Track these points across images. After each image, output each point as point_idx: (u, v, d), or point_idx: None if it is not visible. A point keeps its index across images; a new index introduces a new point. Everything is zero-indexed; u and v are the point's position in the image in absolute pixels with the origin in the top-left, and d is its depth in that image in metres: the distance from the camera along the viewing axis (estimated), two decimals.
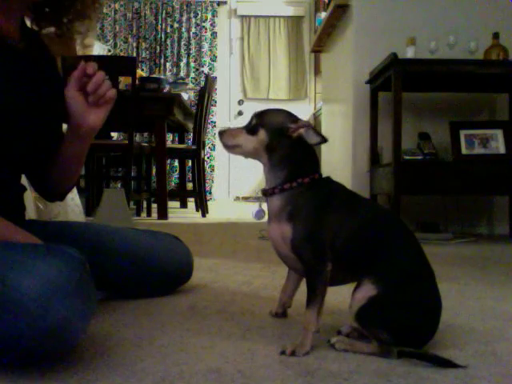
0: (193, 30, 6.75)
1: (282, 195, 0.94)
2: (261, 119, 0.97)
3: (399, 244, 0.92)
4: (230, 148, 1.00)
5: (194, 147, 4.27)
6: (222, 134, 1.01)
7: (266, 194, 0.97)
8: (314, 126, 0.95)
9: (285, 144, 0.94)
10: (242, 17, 6.90)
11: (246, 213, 4.73)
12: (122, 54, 6.70)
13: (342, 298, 1.27)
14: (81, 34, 1.18)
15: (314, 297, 0.89)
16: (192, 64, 6.74)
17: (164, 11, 6.77)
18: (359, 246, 0.90)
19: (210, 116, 6.16)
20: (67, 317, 0.74)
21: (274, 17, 6.89)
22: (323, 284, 0.90)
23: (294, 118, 0.96)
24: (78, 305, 0.76)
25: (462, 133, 2.86)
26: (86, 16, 1.16)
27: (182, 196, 5.28)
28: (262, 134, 0.96)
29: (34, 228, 1.17)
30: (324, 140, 0.94)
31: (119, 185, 6.05)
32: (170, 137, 6.27)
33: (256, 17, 6.89)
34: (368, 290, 0.86)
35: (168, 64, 6.73)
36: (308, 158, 0.96)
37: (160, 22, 6.78)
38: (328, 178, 0.98)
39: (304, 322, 0.90)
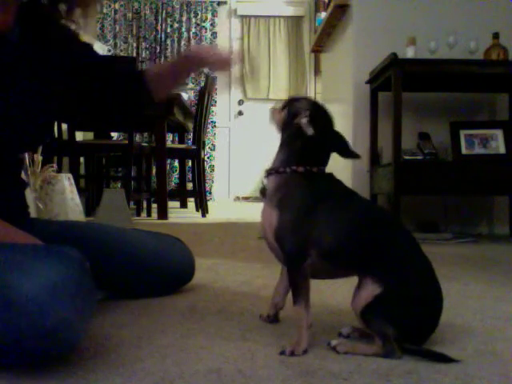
0: (193, 29, 6.75)
1: (275, 178, 0.96)
2: (291, 101, 1.01)
3: (397, 242, 0.92)
4: (270, 120, 1.05)
5: (194, 147, 4.27)
6: (273, 108, 1.06)
7: (266, 173, 0.99)
8: (316, 117, 0.96)
9: (293, 129, 0.96)
10: (242, 17, 6.90)
11: (246, 213, 4.73)
12: (122, 53, 6.70)
13: (341, 298, 1.27)
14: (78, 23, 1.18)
15: (297, 291, 0.90)
16: None
17: (164, 11, 6.77)
18: (355, 245, 0.90)
19: (210, 116, 6.16)
20: (67, 317, 0.74)
21: (274, 17, 6.89)
22: (304, 277, 0.90)
23: (308, 107, 0.97)
24: (77, 305, 0.75)
25: (462, 133, 2.86)
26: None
27: (182, 196, 5.27)
28: (284, 113, 1.00)
29: (37, 226, 1.17)
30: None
31: (119, 185, 6.04)
32: (169, 137, 6.27)
33: (256, 17, 6.89)
34: (373, 289, 0.86)
35: None
36: (314, 151, 0.96)
37: (160, 22, 6.78)
38: (330, 175, 0.97)
39: (295, 319, 0.90)
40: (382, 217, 0.97)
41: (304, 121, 0.94)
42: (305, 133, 0.95)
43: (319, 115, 0.97)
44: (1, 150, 1.07)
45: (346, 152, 0.98)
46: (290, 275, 0.92)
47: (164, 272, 1.31)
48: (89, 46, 1.26)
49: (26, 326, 0.72)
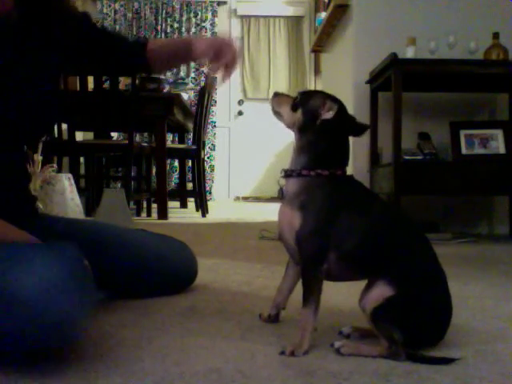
0: (193, 29, 6.75)
1: (298, 180, 0.94)
2: (303, 99, 0.97)
3: (414, 246, 0.92)
4: (274, 113, 1.02)
5: (194, 147, 4.27)
6: (275, 96, 1.02)
7: (285, 174, 0.96)
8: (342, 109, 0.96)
9: (315, 130, 0.94)
10: (242, 17, 6.90)
11: (246, 213, 4.72)
12: None
13: (342, 298, 1.27)
14: None
15: (309, 295, 0.89)
16: (192, 64, 6.73)
17: (164, 11, 6.77)
18: (372, 249, 0.90)
19: (210, 116, 6.16)
20: (69, 312, 0.74)
21: (274, 17, 6.88)
22: (318, 281, 0.90)
23: (325, 102, 0.95)
24: (78, 300, 0.76)
25: (462, 133, 2.86)
26: None
27: (182, 196, 5.27)
28: (299, 114, 0.96)
29: (43, 224, 1.17)
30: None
31: (119, 185, 6.04)
32: (170, 137, 6.27)
33: (256, 17, 6.89)
34: (385, 290, 0.86)
35: None
36: (336, 152, 0.95)
37: (160, 22, 6.78)
38: (351, 177, 0.97)
39: (301, 321, 0.90)
40: (401, 221, 0.97)
41: (328, 115, 0.93)
42: (338, 135, 0.94)
43: (342, 112, 0.96)
44: (7, 135, 1.05)
45: (360, 130, 0.99)
46: (304, 277, 0.91)
47: (166, 275, 1.31)
48: (89, 20, 1.27)
49: (28, 322, 0.72)
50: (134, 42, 1.33)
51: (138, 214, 4.16)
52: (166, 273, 1.31)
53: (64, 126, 3.64)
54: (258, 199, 6.63)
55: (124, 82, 3.75)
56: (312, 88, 6.86)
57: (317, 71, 6.61)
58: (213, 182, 6.72)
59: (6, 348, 0.76)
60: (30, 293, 0.72)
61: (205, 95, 4.16)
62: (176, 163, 6.38)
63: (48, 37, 1.11)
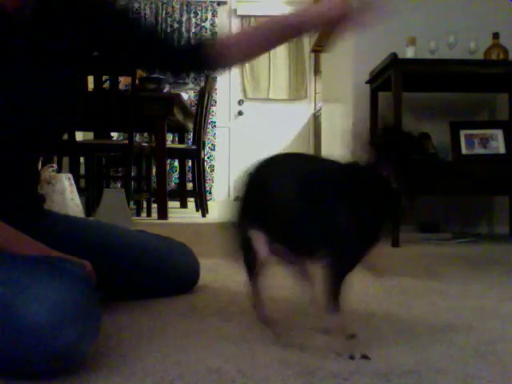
0: (193, 29, 6.74)
1: None
2: None
3: None
4: None
5: (194, 147, 4.27)
6: None
7: None
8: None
9: None
10: (242, 17, 6.89)
11: None
12: None
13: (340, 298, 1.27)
14: None
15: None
16: None
17: (164, 11, 6.77)
18: None
19: (210, 116, 6.16)
20: (76, 341, 0.74)
21: None
22: None
23: None
24: (85, 328, 0.76)
25: (462, 133, 2.86)
26: None
27: (182, 196, 5.27)
28: None
29: (48, 223, 1.17)
30: None
31: (119, 185, 6.04)
32: (170, 137, 6.26)
33: (256, 17, 6.88)
34: None
35: None
36: None
37: (160, 22, 6.77)
38: None
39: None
40: None
41: None
42: None
43: None
44: (16, 143, 1.03)
45: None
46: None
47: (167, 277, 1.31)
48: (126, 15, 1.19)
49: (36, 352, 0.71)
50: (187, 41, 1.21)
51: (138, 213, 4.16)
52: (167, 275, 1.31)
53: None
54: None
55: (124, 81, 3.75)
56: (312, 88, 6.87)
57: (317, 71, 6.61)
58: (213, 182, 6.72)
59: (12, 372, 0.75)
60: (39, 324, 0.71)
61: (205, 95, 4.16)
62: (176, 163, 6.38)
63: (63, 38, 1.05)
